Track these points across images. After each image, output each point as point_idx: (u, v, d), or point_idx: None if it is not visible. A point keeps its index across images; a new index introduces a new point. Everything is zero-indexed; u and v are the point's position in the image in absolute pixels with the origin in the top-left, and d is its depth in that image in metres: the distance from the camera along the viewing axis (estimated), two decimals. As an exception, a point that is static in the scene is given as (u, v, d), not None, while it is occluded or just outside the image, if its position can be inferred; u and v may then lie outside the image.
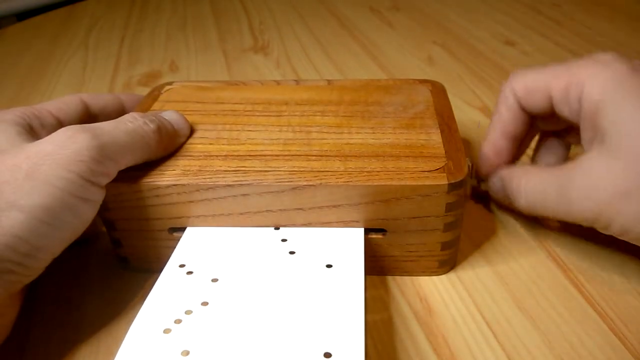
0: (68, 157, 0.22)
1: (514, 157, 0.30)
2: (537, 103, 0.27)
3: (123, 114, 0.31)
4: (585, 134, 0.25)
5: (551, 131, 0.30)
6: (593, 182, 0.23)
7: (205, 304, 0.23)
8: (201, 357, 0.21)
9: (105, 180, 0.24)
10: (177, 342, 0.21)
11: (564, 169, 0.25)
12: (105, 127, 0.24)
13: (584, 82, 0.25)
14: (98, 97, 0.31)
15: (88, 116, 0.30)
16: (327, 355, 0.21)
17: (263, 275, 0.25)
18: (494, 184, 0.29)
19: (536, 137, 0.32)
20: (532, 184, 0.26)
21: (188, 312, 0.23)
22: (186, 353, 0.21)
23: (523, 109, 0.28)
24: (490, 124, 0.30)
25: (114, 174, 0.24)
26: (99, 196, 0.24)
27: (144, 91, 0.36)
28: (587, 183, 0.24)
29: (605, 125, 0.23)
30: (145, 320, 0.22)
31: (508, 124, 0.29)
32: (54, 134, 0.23)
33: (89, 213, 0.23)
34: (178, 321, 0.22)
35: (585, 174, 0.24)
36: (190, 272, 0.25)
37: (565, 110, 0.26)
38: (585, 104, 0.24)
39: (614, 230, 0.24)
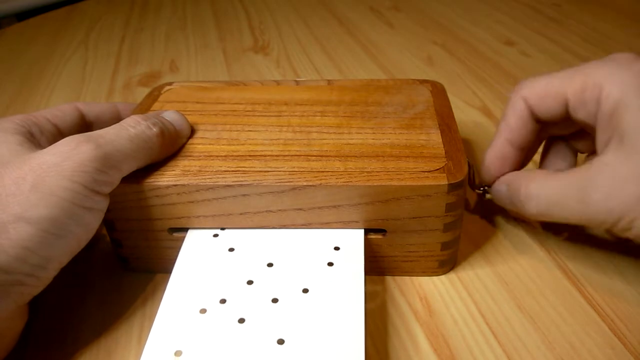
0: (72, 168, 0.22)
1: (520, 165, 0.29)
2: (550, 108, 0.27)
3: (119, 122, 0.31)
4: (601, 136, 0.25)
5: (558, 136, 0.30)
6: (615, 182, 0.23)
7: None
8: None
9: (109, 189, 0.24)
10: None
11: (582, 171, 0.24)
12: (108, 135, 0.24)
13: (602, 83, 0.24)
14: (93, 105, 0.31)
15: (84, 124, 0.30)
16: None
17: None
18: (499, 190, 0.29)
19: (542, 143, 0.31)
20: (546, 188, 0.25)
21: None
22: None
23: (533, 116, 0.28)
24: (497, 131, 0.29)
25: (117, 181, 0.24)
26: (103, 204, 0.24)
27: (144, 91, 0.36)
28: (609, 183, 0.23)
29: (624, 127, 0.23)
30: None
31: (515, 132, 0.28)
32: (57, 145, 0.23)
33: (94, 222, 0.24)
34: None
35: (606, 175, 0.23)
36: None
37: (581, 112, 0.25)
38: (603, 104, 0.24)
39: (636, 232, 0.23)
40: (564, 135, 0.30)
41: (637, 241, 0.24)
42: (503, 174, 0.29)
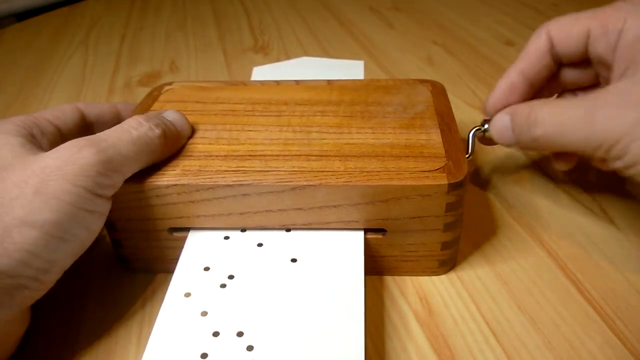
0: (74, 172, 0.22)
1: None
2: (572, 41, 0.27)
3: (119, 122, 0.31)
4: (618, 67, 0.25)
5: (569, 90, 0.30)
6: (622, 103, 0.23)
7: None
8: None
9: (111, 192, 0.24)
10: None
11: (593, 94, 0.24)
12: (110, 138, 0.24)
13: (625, 16, 0.25)
14: (94, 105, 0.31)
15: (84, 124, 0.30)
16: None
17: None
18: (500, 120, 0.28)
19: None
20: (555, 110, 0.25)
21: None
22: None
23: (552, 51, 0.28)
24: (514, 63, 0.29)
25: (120, 184, 0.24)
26: (106, 207, 0.24)
27: (144, 91, 0.36)
28: (615, 104, 0.23)
29: None
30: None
31: (532, 64, 0.28)
32: (59, 149, 0.23)
33: (97, 224, 0.24)
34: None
35: (615, 96, 0.23)
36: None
37: (601, 44, 0.26)
38: (624, 35, 0.25)
39: (628, 159, 0.23)
40: (575, 89, 0.30)
41: (625, 172, 0.24)
42: (508, 106, 0.28)
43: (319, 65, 0.46)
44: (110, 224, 0.27)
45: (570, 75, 0.29)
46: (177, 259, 0.26)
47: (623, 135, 0.23)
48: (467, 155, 0.29)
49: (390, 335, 0.25)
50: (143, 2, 0.78)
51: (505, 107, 0.28)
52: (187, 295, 0.24)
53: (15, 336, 0.24)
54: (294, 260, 0.25)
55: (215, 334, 0.22)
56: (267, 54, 0.58)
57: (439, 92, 0.32)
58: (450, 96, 0.33)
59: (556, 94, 0.31)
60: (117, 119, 0.31)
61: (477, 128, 0.30)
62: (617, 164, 0.23)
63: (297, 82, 0.35)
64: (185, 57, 0.58)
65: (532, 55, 0.28)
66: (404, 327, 0.26)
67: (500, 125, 0.28)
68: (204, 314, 0.23)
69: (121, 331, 0.26)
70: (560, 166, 0.31)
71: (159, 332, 0.23)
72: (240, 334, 0.22)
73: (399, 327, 0.26)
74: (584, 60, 0.27)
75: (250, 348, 0.22)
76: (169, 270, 0.25)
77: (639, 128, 0.22)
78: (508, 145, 0.28)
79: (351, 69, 0.45)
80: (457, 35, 0.59)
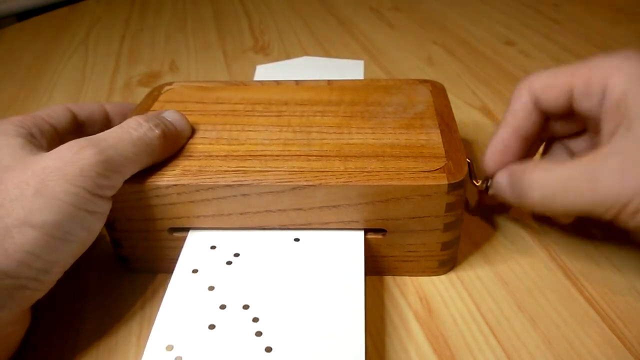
0: (74, 173, 0.22)
1: (523, 158, 0.29)
2: (555, 98, 0.27)
3: (108, 122, 0.31)
4: (607, 126, 0.25)
5: (558, 137, 0.30)
6: (626, 165, 0.23)
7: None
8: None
9: (111, 192, 0.24)
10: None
11: (590, 157, 0.24)
12: (111, 139, 0.24)
13: (608, 73, 0.25)
14: (83, 106, 0.31)
15: (76, 124, 0.30)
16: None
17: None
18: (499, 182, 0.28)
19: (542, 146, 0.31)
20: (551, 175, 0.25)
21: (211, 288, 0.24)
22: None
23: (538, 107, 0.28)
24: (501, 121, 0.29)
25: (120, 185, 0.25)
26: (106, 208, 0.24)
27: (144, 91, 0.36)
28: (619, 167, 0.23)
29: (632, 113, 0.23)
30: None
31: (520, 122, 0.28)
32: (59, 149, 0.23)
33: (97, 225, 0.24)
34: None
35: (616, 159, 0.23)
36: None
37: (585, 103, 0.26)
38: (610, 93, 0.24)
39: None
40: (564, 137, 0.30)
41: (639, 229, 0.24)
42: (504, 165, 0.28)
43: (321, 64, 0.46)
44: (110, 224, 0.27)
45: (558, 126, 0.29)
46: (177, 258, 0.26)
47: (632, 198, 0.23)
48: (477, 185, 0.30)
49: (390, 335, 0.25)
50: (143, 2, 0.78)
51: (503, 165, 0.29)
52: (195, 271, 0.25)
53: (15, 336, 0.24)
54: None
55: (222, 306, 0.23)
56: (267, 54, 0.58)
57: (439, 92, 0.32)
58: (450, 96, 0.33)
59: (543, 145, 0.31)
60: (106, 119, 0.32)
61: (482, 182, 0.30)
62: (632, 222, 0.23)
63: (297, 82, 0.35)
64: (185, 57, 0.58)
65: (519, 114, 0.28)
66: (404, 327, 0.26)
67: (500, 187, 0.28)
68: (211, 288, 0.24)
69: (121, 331, 0.26)
70: (563, 220, 0.30)
71: (168, 305, 0.23)
72: (246, 307, 0.23)
73: (399, 327, 0.26)
74: (570, 113, 0.27)
75: (255, 320, 0.23)
76: (169, 270, 0.25)
77: None
78: (513, 205, 0.28)
79: (353, 69, 0.45)
80: (457, 35, 0.59)
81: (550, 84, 0.27)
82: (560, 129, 0.29)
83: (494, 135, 0.29)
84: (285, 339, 0.22)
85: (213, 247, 0.26)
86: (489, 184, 0.29)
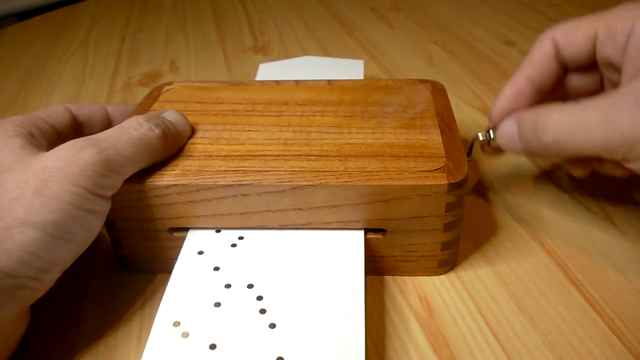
0: (74, 172, 0.22)
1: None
2: (578, 43, 0.26)
3: (108, 123, 0.31)
4: (629, 68, 0.25)
5: (571, 98, 0.29)
6: None
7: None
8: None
9: (111, 192, 0.24)
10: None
11: (607, 96, 0.24)
12: (110, 138, 0.24)
13: (632, 18, 0.25)
14: (83, 106, 0.31)
15: (75, 124, 0.30)
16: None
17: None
18: (507, 128, 0.27)
19: None
20: (567, 114, 0.24)
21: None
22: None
23: (558, 57, 0.27)
24: (517, 70, 0.28)
25: (120, 184, 0.25)
26: (105, 207, 0.24)
27: (144, 91, 0.36)
28: (634, 103, 0.22)
29: None
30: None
31: (537, 69, 0.27)
32: (59, 149, 0.23)
33: (96, 224, 0.24)
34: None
35: (632, 97, 0.23)
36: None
37: (609, 47, 0.25)
38: (634, 36, 0.24)
39: None
40: (578, 95, 0.29)
41: None
42: (514, 111, 0.28)
43: (323, 64, 0.47)
44: (110, 224, 0.27)
45: (575, 81, 0.29)
46: (177, 258, 0.26)
47: None
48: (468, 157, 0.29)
49: (390, 335, 0.25)
50: (143, 2, 0.78)
51: (513, 110, 0.28)
52: (200, 253, 0.26)
53: (15, 336, 0.24)
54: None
55: (227, 286, 0.24)
56: (267, 54, 0.58)
57: (439, 92, 0.32)
58: (450, 96, 0.33)
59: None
60: (106, 120, 0.32)
61: (482, 134, 0.29)
62: (637, 165, 0.23)
63: (297, 82, 0.35)
64: (185, 57, 0.58)
65: (538, 61, 0.27)
66: (404, 327, 0.26)
67: (506, 132, 0.27)
68: (217, 269, 0.25)
69: (121, 331, 0.26)
70: (577, 172, 0.30)
71: (174, 284, 0.24)
72: (250, 286, 0.24)
73: (399, 327, 0.26)
74: (590, 65, 0.27)
75: (260, 298, 0.23)
76: (169, 270, 0.25)
77: None
78: (516, 153, 0.27)
79: (355, 68, 0.45)
80: (457, 35, 0.59)
81: (573, 32, 0.26)
82: (577, 84, 0.29)
83: (507, 83, 0.28)
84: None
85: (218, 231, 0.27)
86: (492, 135, 0.29)
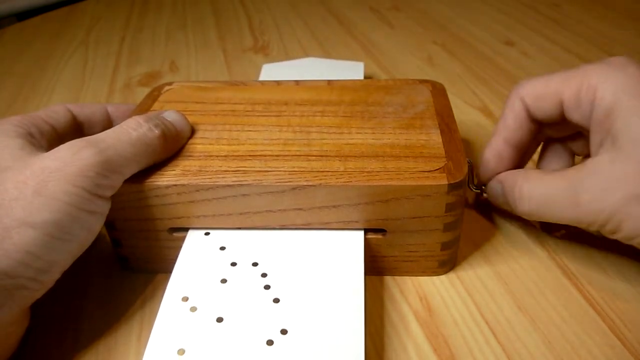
0: (74, 173, 0.22)
1: (517, 165, 0.30)
2: (547, 109, 0.27)
3: (109, 123, 0.31)
4: (594, 138, 0.25)
5: (556, 138, 0.30)
6: (604, 184, 0.23)
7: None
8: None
9: (110, 192, 0.24)
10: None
11: (573, 172, 0.25)
12: (110, 139, 0.24)
13: (596, 85, 0.24)
14: (83, 106, 0.31)
15: (75, 124, 0.30)
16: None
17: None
18: (493, 188, 0.29)
19: (541, 144, 0.31)
20: (538, 188, 0.26)
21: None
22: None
23: (530, 116, 0.28)
24: (495, 129, 0.29)
25: (119, 185, 0.25)
26: (105, 208, 0.24)
27: (144, 91, 0.36)
28: (598, 185, 0.23)
29: (617, 129, 0.23)
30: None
31: (513, 132, 0.28)
32: (58, 150, 0.23)
33: (96, 225, 0.24)
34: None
35: (596, 176, 0.23)
36: (195, 275, 0.25)
37: (575, 114, 0.26)
38: (597, 107, 0.24)
39: (623, 234, 0.23)
40: (561, 137, 0.30)
41: (625, 242, 0.24)
42: (499, 173, 0.29)
43: (325, 65, 0.47)
44: (109, 224, 0.27)
45: (553, 130, 0.29)
46: (177, 259, 0.26)
47: (611, 216, 0.23)
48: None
49: (390, 335, 0.25)
50: (143, 2, 0.78)
51: (497, 172, 0.29)
52: (207, 234, 0.27)
53: (15, 336, 0.24)
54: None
55: (233, 264, 0.25)
56: (267, 54, 0.58)
57: (439, 92, 0.32)
58: (450, 96, 0.33)
59: (541, 145, 0.31)
60: (107, 120, 0.32)
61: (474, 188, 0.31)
62: (614, 237, 0.24)
63: (297, 82, 0.35)
64: (185, 57, 0.58)
65: (511, 124, 0.28)
66: (404, 327, 0.26)
67: (494, 193, 0.29)
68: (222, 248, 0.26)
69: (121, 331, 0.26)
70: (550, 231, 0.31)
71: (182, 262, 0.25)
72: (255, 264, 0.25)
73: (399, 327, 0.26)
74: (563, 120, 0.27)
75: (264, 275, 0.25)
76: (169, 270, 0.25)
77: (626, 207, 0.23)
78: (508, 210, 0.29)
79: (357, 70, 0.45)
80: (457, 35, 0.59)
81: (540, 95, 0.27)
82: (556, 133, 0.29)
83: (488, 143, 0.29)
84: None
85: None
86: (483, 188, 0.30)
